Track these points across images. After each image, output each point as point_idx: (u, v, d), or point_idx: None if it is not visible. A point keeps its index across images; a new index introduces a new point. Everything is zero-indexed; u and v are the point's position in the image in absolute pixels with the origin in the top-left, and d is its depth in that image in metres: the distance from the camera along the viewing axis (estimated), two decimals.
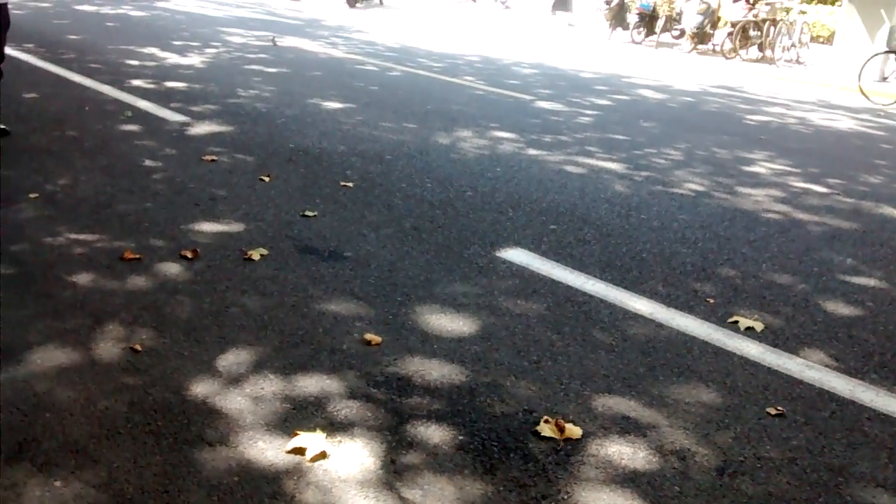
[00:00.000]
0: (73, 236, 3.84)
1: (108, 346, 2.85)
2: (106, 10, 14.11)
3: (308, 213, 4.41)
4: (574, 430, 2.55)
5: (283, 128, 6.36)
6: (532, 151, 6.33)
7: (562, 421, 2.59)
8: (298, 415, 2.54)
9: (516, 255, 4.05)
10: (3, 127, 4.77)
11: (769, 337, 3.38)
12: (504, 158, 6.01)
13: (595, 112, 8.46)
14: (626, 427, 2.63)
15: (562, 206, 4.91)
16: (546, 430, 2.54)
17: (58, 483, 2.15)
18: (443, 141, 6.39)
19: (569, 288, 3.70)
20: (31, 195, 4.33)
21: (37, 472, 2.18)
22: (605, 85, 10.62)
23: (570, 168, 5.91)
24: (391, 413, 2.60)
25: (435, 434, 2.50)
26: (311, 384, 2.72)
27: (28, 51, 8.61)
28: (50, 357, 2.75)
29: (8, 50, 8.69)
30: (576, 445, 2.50)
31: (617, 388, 2.86)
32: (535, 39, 16.20)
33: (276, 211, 4.41)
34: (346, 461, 2.34)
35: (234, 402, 2.58)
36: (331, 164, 5.44)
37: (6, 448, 2.27)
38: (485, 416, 2.62)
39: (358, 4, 20.30)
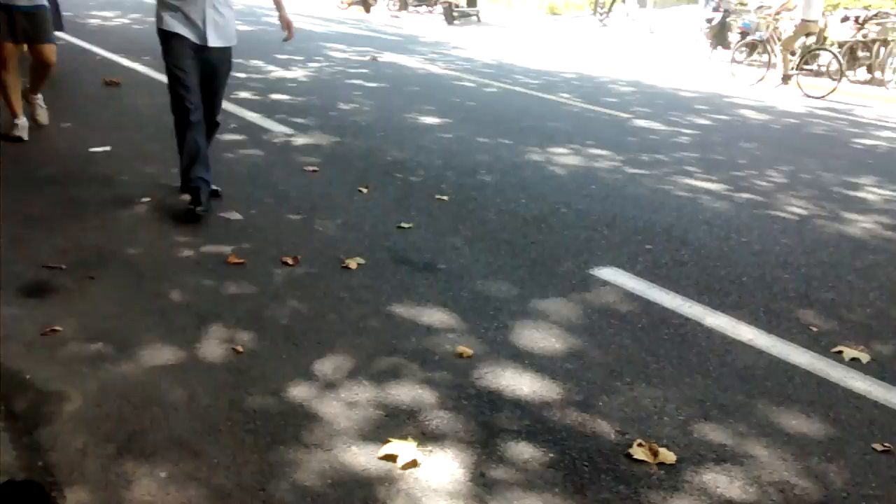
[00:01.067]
0: (182, 239, 4.01)
1: (211, 347, 2.97)
2: None
3: (404, 224, 4.48)
4: (668, 455, 2.50)
5: (382, 141, 6.48)
6: (628, 170, 6.25)
7: (655, 445, 2.55)
8: (391, 422, 2.59)
9: (610, 274, 4.00)
10: (215, 188, 4.66)
11: (876, 369, 3.23)
12: (599, 176, 5.96)
13: (694, 132, 8.29)
14: (723, 455, 2.56)
15: (658, 226, 4.83)
16: (639, 453, 2.50)
17: (163, 474, 2.25)
18: (537, 157, 6.38)
19: (664, 309, 3.64)
20: (143, 199, 4.55)
21: (144, 463, 2.29)
22: (705, 104, 10.39)
23: (667, 188, 5.81)
24: (482, 426, 2.61)
25: (525, 450, 2.50)
26: (403, 393, 2.76)
27: (146, 63, 9.06)
28: (158, 354, 2.89)
29: (128, 62, 9.21)
30: (669, 471, 2.45)
31: (714, 415, 2.79)
32: (632, 57, 16.02)
33: (373, 222, 4.50)
34: (436, 471, 2.36)
35: (330, 406, 2.65)
36: (427, 177, 5.51)
37: (118, 438, 2.39)
38: (576, 435, 2.60)
39: (455, 21, 20.51)
